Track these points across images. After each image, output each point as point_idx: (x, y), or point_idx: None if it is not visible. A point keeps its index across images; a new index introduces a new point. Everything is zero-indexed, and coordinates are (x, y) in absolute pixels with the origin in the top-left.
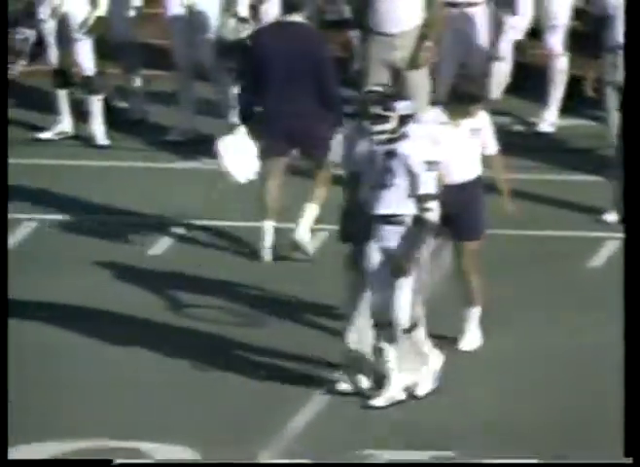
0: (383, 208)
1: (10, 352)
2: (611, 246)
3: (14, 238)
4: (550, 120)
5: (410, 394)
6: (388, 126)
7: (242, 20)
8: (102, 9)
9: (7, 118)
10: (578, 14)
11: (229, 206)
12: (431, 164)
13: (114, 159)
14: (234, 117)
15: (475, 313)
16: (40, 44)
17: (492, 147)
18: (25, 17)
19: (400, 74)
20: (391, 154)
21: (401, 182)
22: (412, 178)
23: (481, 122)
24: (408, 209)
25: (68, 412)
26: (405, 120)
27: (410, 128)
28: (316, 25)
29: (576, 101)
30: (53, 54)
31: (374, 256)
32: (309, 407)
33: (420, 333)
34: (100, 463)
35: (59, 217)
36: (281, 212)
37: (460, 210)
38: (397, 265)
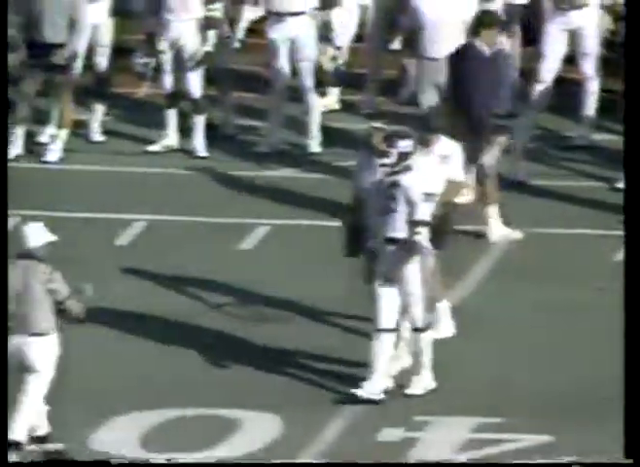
0: (389, 232)
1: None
2: None
3: (127, 237)
4: (584, 134)
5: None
6: (389, 161)
7: (338, 49)
8: (210, 44)
9: (7, 118)
10: (608, 43)
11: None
12: (428, 196)
13: (211, 168)
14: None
15: (445, 306)
16: (156, 70)
17: (459, 174)
18: (145, 45)
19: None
20: (394, 184)
21: (402, 209)
22: (411, 207)
23: (451, 149)
24: (405, 233)
25: (160, 383)
26: (404, 156)
27: (414, 161)
28: (380, 53)
29: (609, 118)
30: (167, 80)
31: (380, 273)
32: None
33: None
34: (100, 464)
35: (166, 218)
36: None
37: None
38: (385, 275)
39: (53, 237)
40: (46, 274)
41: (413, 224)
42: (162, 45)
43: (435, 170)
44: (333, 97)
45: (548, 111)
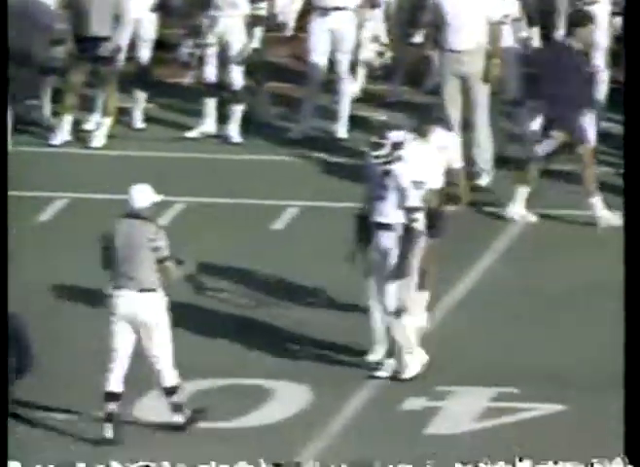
0: (379, 217)
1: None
2: None
3: (167, 218)
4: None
5: (396, 376)
6: (383, 152)
7: (382, 45)
8: (256, 41)
9: (7, 118)
10: (617, 37)
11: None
12: (418, 183)
13: (246, 153)
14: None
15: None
16: (199, 61)
17: (458, 162)
18: (191, 37)
19: (468, 85)
20: (386, 173)
21: (392, 196)
22: (401, 194)
23: (450, 140)
24: (398, 218)
25: (203, 354)
26: (396, 146)
27: (408, 151)
28: (403, 46)
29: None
30: (210, 71)
31: (374, 254)
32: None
33: (410, 321)
34: None
35: (203, 200)
36: None
37: (428, 215)
38: (395, 269)
39: (158, 198)
40: (151, 233)
41: (409, 211)
42: (210, 38)
43: (432, 160)
44: (357, 86)
45: None
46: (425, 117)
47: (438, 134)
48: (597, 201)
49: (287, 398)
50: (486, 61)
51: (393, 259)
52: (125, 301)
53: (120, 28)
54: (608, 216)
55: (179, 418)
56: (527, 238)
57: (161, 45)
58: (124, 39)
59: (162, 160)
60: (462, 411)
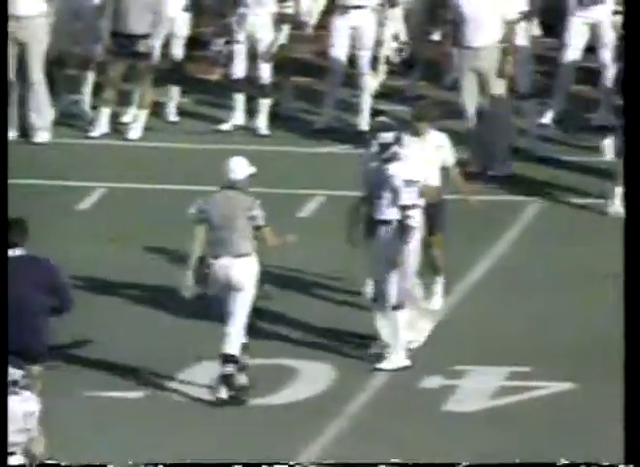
0: (377, 214)
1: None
2: None
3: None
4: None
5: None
6: (374, 151)
7: (401, 43)
8: (283, 38)
9: (7, 118)
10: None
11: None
12: (410, 182)
13: (272, 144)
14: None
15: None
16: (229, 57)
17: (451, 160)
18: (221, 35)
19: (484, 81)
20: (380, 172)
21: (387, 195)
22: (395, 192)
23: (443, 140)
24: (393, 216)
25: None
26: (385, 146)
27: (402, 151)
28: (422, 44)
29: None
30: (239, 67)
31: (373, 249)
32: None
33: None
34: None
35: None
36: None
37: (429, 210)
38: (392, 261)
39: (253, 170)
40: (247, 203)
41: (402, 209)
42: (240, 36)
43: (428, 159)
44: (377, 81)
45: (571, 96)
46: (415, 116)
47: (432, 134)
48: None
49: (312, 377)
50: (501, 58)
51: (390, 252)
52: (223, 267)
53: (158, 26)
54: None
55: (223, 392)
56: (541, 225)
57: (194, 42)
58: (160, 37)
59: (194, 151)
60: (477, 389)
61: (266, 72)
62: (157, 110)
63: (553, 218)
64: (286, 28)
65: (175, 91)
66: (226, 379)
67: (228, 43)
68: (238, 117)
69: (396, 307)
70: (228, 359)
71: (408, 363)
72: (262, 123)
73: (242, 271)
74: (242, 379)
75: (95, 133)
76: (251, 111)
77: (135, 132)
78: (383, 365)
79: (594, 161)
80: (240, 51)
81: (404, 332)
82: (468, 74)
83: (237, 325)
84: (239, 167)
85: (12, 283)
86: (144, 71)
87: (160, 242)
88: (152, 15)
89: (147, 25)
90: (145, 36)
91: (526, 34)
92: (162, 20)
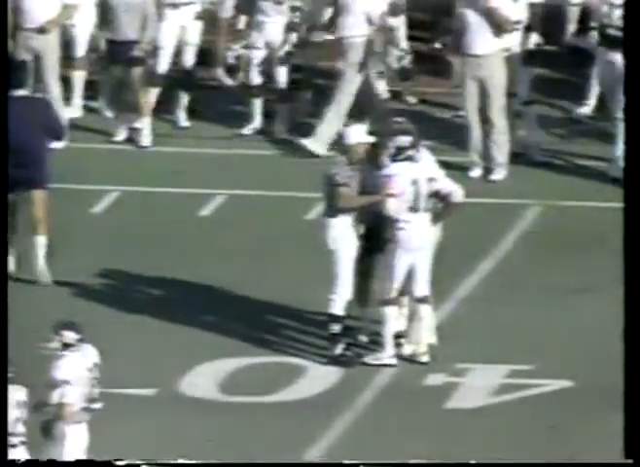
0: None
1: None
2: None
3: (209, 208)
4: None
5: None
6: (389, 153)
7: (403, 51)
8: (297, 45)
9: (6, 117)
10: None
11: None
12: (396, 194)
13: (287, 148)
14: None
15: None
16: (246, 63)
17: (439, 176)
18: (238, 40)
19: (486, 86)
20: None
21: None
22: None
23: (429, 156)
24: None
25: (235, 335)
26: (400, 151)
27: (415, 154)
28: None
29: None
30: (255, 72)
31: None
32: None
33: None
34: (102, 464)
35: (246, 192)
36: None
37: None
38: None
39: (371, 139)
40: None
41: (391, 220)
42: (258, 42)
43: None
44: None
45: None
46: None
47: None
48: None
49: (317, 374)
50: (503, 65)
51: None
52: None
53: (147, 30)
54: None
55: (338, 348)
56: (540, 229)
57: (208, 50)
58: (149, 41)
59: (206, 155)
60: (480, 386)
61: (282, 78)
62: (168, 116)
63: (553, 222)
64: (299, 35)
65: (185, 98)
66: (333, 339)
67: (246, 48)
68: (256, 122)
69: (384, 303)
70: (332, 319)
71: (394, 362)
72: (278, 127)
73: (334, 233)
74: (361, 338)
75: (119, 138)
76: (267, 116)
77: (146, 138)
78: (368, 359)
79: (596, 165)
80: (257, 56)
81: (391, 327)
82: (470, 81)
83: (340, 286)
84: (356, 134)
85: (14, 123)
86: (139, 76)
87: (174, 244)
88: (142, 19)
89: (139, 31)
90: (138, 42)
91: (527, 41)
92: (150, 24)
